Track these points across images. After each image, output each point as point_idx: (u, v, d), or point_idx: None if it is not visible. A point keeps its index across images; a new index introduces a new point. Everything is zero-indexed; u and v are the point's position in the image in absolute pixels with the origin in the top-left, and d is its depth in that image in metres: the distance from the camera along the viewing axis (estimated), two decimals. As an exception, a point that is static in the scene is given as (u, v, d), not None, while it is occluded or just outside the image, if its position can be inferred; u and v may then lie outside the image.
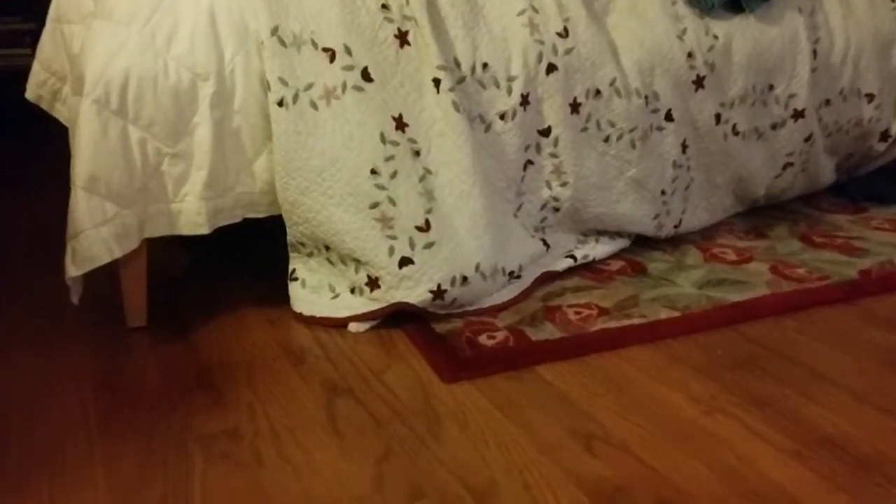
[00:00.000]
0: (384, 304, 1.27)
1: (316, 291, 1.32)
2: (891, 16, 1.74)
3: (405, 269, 1.26)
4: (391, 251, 1.26)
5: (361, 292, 1.26)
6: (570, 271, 1.52)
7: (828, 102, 1.72)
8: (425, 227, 1.28)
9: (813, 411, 1.06)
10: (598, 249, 1.58)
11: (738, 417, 1.05)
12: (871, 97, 1.75)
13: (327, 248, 1.28)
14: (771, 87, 1.63)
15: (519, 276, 1.44)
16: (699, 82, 1.54)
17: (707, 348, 1.25)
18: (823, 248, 1.64)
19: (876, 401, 1.09)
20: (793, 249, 1.64)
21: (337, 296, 1.30)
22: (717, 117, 1.59)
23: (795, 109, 1.65)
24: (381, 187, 1.25)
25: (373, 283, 1.26)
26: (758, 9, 1.58)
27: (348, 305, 1.28)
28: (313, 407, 1.08)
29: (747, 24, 1.58)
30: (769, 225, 1.78)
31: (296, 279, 1.35)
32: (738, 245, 1.66)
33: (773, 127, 1.67)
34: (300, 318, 1.33)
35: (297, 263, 1.35)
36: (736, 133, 1.63)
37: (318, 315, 1.31)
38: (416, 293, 1.27)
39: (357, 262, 1.26)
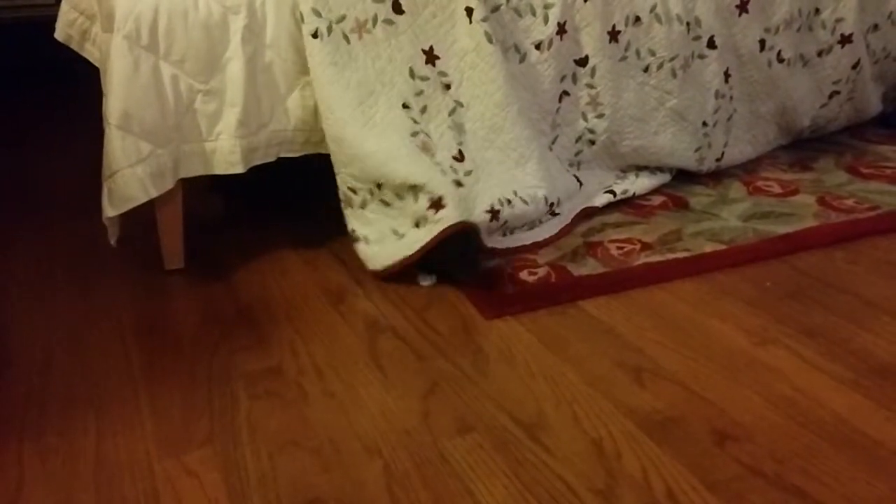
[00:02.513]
0: (449, 224, 1.17)
1: (380, 242, 1.24)
2: (947, -69, 1.64)
3: (461, 190, 1.23)
4: (443, 173, 1.22)
5: (426, 220, 1.20)
6: (610, 207, 1.49)
7: (876, 27, 1.64)
8: (460, 158, 1.25)
9: (867, 340, 1.03)
10: (637, 184, 1.54)
11: (791, 348, 1.03)
12: (923, 20, 1.67)
13: (379, 186, 1.21)
14: (817, 11, 1.55)
15: (557, 213, 1.40)
16: (743, 6, 1.47)
17: (755, 281, 1.22)
18: (871, 178, 1.59)
19: (933, 329, 1.05)
20: (840, 181, 1.58)
21: (403, 236, 1.22)
22: (762, 44, 1.52)
23: (843, 35, 1.58)
24: (414, 121, 1.22)
25: (437, 204, 1.18)
26: (806, -74, 1.50)
27: (418, 239, 1.19)
28: (355, 344, 1.07)
29: (795, -56, 1.50)
30: (814, 157, 1.72)
31: (358, 239, 1.26)
32: (782, 178, 1.61)
33: (820, 54, 1.59)
34: (379, 276, 1.23)
35: (354, 222, 1.26)
36: (781, 60, 1.56)
37: (391, 263, 1.21)
38: (476, 213, 1.23)
39: (414, 189, 1.19)
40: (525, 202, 1.29)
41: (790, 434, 0.86)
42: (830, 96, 1.67)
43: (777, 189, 1.56)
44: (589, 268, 1.26)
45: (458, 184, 1.24)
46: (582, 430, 0.88)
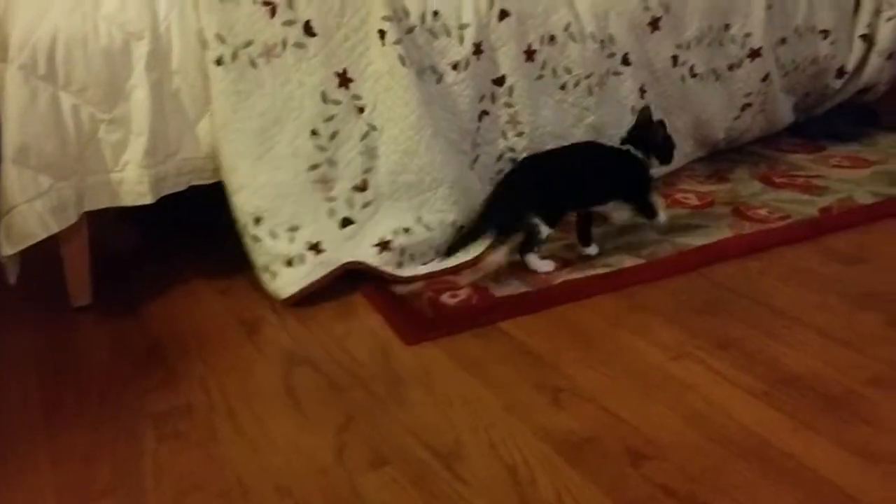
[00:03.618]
0: (332, 268, 1.22)
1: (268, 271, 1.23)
2: (845, -51, 1.72)
3: (347, 230, 1.23)
4: (331, 213, 1.22)
5: (303, 261, 1.21)
6: (532, 224, 1.49)
7: (784, 41, 1.69)
8: (363, 187, 1.25)
9: (778, 350, 1.06)
10: (559, 201, 1.55)
11: (704, 361, 1.04)
12: (825, 33, 1.73)
13: (258, 220, 1.20)
14: (727, 27, 1.60)
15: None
16: (655, 24, 1.50)
17: (672, 294, 1.24)
18: (784, 188, 1.63)
19: (839, 336, 1.08)
20: (754, 191, 1.63)
21: (276, 274, 1.22)
22: (675, 59, 1.56)
23: (752, 49, 1.63)
24: (321, 149, 1.21)
25: (316, 248, 1.22)
26: (712, -55, 1.54)
27: (292, 279, 1.21)
28: (270, 378, 1.04)
29: (702, -38, 1.54)
30: (730, 168, 1.76)
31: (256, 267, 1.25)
32: (699, 189, 1.65)
33: (731, 67, 1.64)
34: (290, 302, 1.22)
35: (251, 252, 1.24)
36: (694, 75, 1.60)
37: (286, 296, 1.21)
38: (361, 250, 1.24)
39: (293, 230, 1.21)
40: (429, 228, 1.29)
41: (703, 450, 0.87)
42: (743, 108, 1.71)
43: (694, 200, 1.59)
44: (511, 287, 1.27)
45: (347, 222, 1.25)
46: (498, 456, 0.87)
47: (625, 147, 1.35)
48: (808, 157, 1.81)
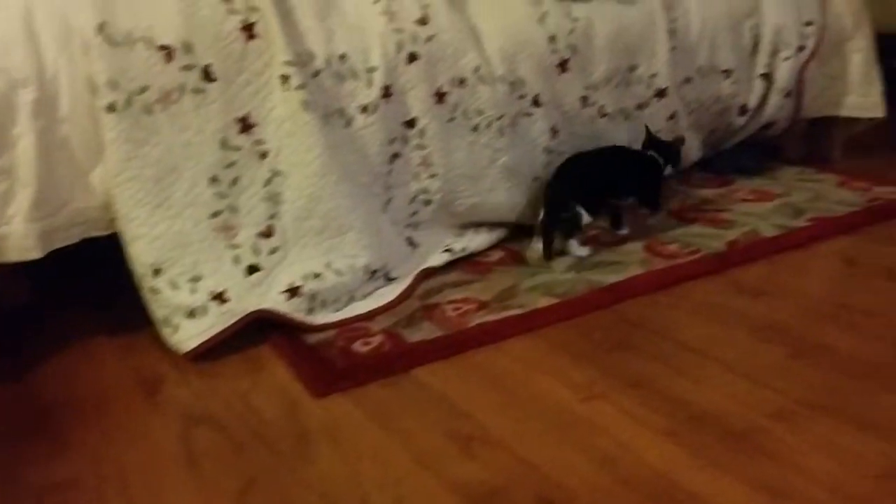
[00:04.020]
0: (238, 317, 1.19)
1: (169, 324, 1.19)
2: (740, -7, 1.79)
3: (254, 277, 1.20)
4: (236, 260, 1.19)
5: (206, 311, 1.17)
6: (450, 266, 1.48)
7: (688, 80, 1.75)
8: (267, 233, 1.22)
9: (685, 387, 1.07)
10: (476, 241, 1.55)
11: (615, 401, 1.04)
12: (728, 73, 1.80)
13: (157, 272, 1.16)
14: (633, 68, 1.64)
15: (393, 278, 1.38)
16: (563, 66, 1.53)
17: (585, 332, 1.24)
18: (693, 222, 1.67)
19: (744, 370, 1.10)
20: (665, 226, 1.66)
21: (178, 327, 1.17)
22: (584, 100, 1.58)
23: (658, 88, 1.67)
24: (221, 196, 1.18)
25: (220, 297, 1.18)
26: (614, -10, 1.59)
27: (195, 332, 1.16)
28: (168, 441, 0.99)
29: (606, 6, 1.58)
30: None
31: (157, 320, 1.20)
32: (613, 226, 1.67)
33: (639, 107, 1.68)
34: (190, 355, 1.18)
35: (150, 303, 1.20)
36: (603, 115, 1.63)
37: (188, 349, 1.17)
38: (269, 297, 1.20)
39: (194, 280, 1.17)
40: (339, 273, 1.27)
41: (612, 494, 0.86)
42: (652, 146, 1.75)
43: (608, 237, 1.61)
44: (424, 332, 1.25)
45: (253, 269, 1.22)
46: (406, 513, 0.84)
47: (649, 153, 1.61)
48: (717, 192, 1.87)
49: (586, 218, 1.47)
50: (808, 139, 2.13)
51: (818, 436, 0.94)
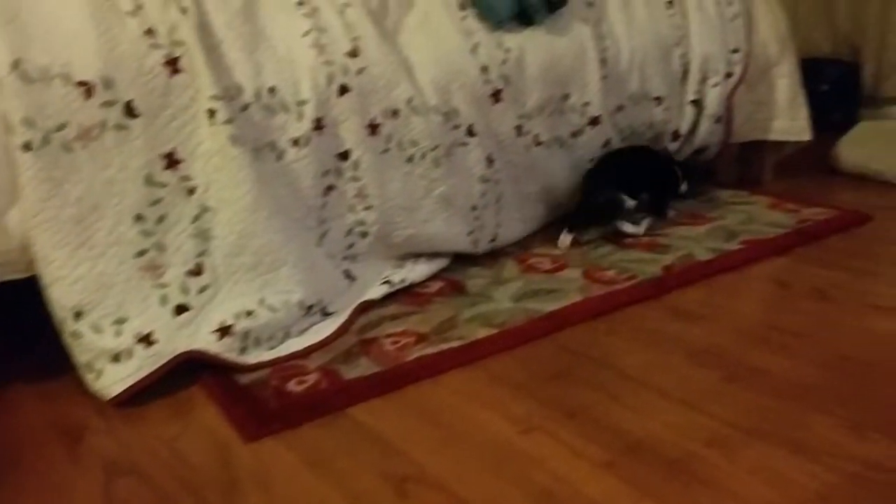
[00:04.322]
0: (166, 360, 1.14)
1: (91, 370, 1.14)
2: (668, 23, 1.84)
3: (182, 317, 1.16)
4: (164, 300, 1.15)
5: (132, 355, 1.13)
6: (388, 298, 1.46)
7: (620, 108, 1.78)
8: (197, 271, 1.19)
9: (623, 416, 1.06)
10: (415, 272, 1.53)
11: (553, 433, 1.03)
12: (659, 100, 1.84)
13: (78, 315, 1.11)
14: (566, 97, 1.66)
15: (331, 313, 1.36)
16: (496, 96, 1.54)
17: (524, 363, 1.23)
18: (631, 247, 1.69)
19: (680, 396, 1.10)
20: (604, 252, 1.67)
21: (101, 372, 1.12)
22: (518, 129, 1.59)
23: (591, 116, 1.70)
24: (147, 234, 1.14)
25: (146, 339, 1.14)
26: (545, 21, 1.61)
27: (120, 377, 1.12)
28: (90, 494, 0.94)
29: (537, 37, 1.60)
30: (582, 229, 1.81)
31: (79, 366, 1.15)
32: (553, 253, 1.68)
33: (573, 135, 1.70)
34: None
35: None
36: (538, 143, 1.64)
37: (113, 395, 1.12)
38: (199, 338, 1.17)
39: (119, 322, 1.12)
40: (273, 310, 1.24)
41: (549, 531, 0.85)
42: (589, 173, 1.77)
43: (547, 265, 1.61)
44: (361, 368, 1.22)
45: (182, 308, 1.18)
46: (337, 561, 0.81)
47: (674, 165, 1.84)
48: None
49: (630, 202, 1.68)
50: (740, 163, 2.19)
51: (752, 461, 0.95)
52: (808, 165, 2.28)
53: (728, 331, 1.30)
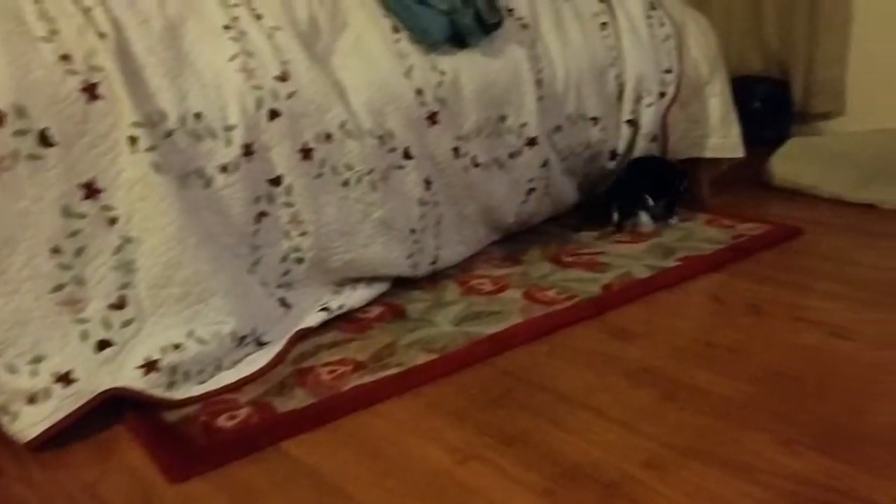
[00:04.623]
0: (87, 399, 1.09)
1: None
2: (602, 44, 1.86)
3: (105, 353, 1.11)
4: (84, 336, 1.10)
5: (49, 395, 1.07)
6: (327, 325, 1.43)
7: (558, 128, 1.79)
8: (120, 305, 1.14)
9: (562, 440, 1.05)
10: (354, 297, 1.51)
11: (491, 461, 1.01)
12: (595, 120, 1.85)
13: None
14: (503, 118, 1.66)
15: (265, 342, 1.32)
16: (432, 118, 1.53)
17: (463, 389, 1.21)
18: (571, 267, 1.69)
19: (618, 416, 1.10)
20: (544, 272, 1.67)
21: (16, 415, 1.06)
22: (456, 151, 1.59)
23: (529, 137, 1.70)
24: (65, 267, 1.09)
25: (65, 378, 1.08)
26: (480, 43, 1.61)
27: (36, 418, 1.06)
28: (-2, 546, 0.88)
29: (472, 59, 1.60)
30: (524, 250, 1.81)
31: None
32: (494, 274, 1.67)
33: (511, 156, 1.70)
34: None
35: None
36: (476, 165, 1.64)
37: (30, 438, 1.06)
38: (123, 375, 1.12)
39: (35, 361, 1.07)
40: (202, 342, 1.20)
41: (486, 564, 0.83)
42: (528, 193, 1.78)
43: (489, 286, 1.60)
44: (296, 400, 1.18)
45: (104, 344, 1.14)
46: None
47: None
48: (593, 234, 1.90)
49: (650, 202, 1.91)
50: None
51: (687, 482, 0.95)
52: (743, 181, 2.33)
53: (665, 349, 1.30)
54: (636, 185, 1.93)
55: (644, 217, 1.92)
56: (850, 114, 2.81)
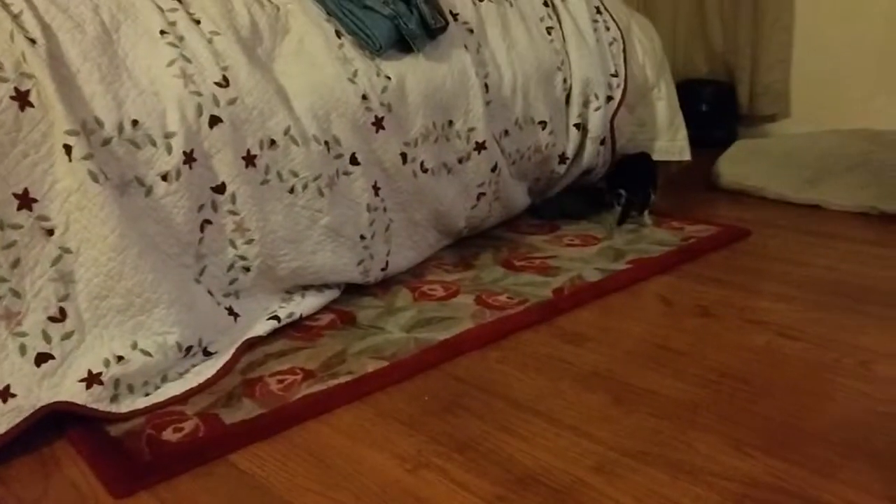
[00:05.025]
0: (26, 414, 1.05)
1: None
2: (549, 48, 1.87)
3: (44, 367, 1.08)
4: (23, 350, 1.06)
5: None
6: (276, 333, 1.41)
7: (506, 133, 1.79)
8: (60, 317, 1.11)
9: (513, 446, 1.05)
10: (304, 305, 1.48)
11: (442, 469, 1.00)
12: (544, 124, 1.86)
13: None
14: (451, 123, 1.66)
15: (212, 352, 1.29)
16: (378, 123, 1.51)
17: (415, 396, 1.20)
18: (523, 271, 1.70)
19: (569, 421, 1.10)
20: (496, 276, 1.67)
21: None
22: (404, 156, 1.58)
23: (477, 142, 1.70)
24: (1, 279, 1.05)
25: (5, 394, 1.04)
26: (425, 48, 1.60)
27: None
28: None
29: (418, 64, 1.59)
30: (475, 254, 1.81)
31: None
32: (445, 279, 1.66)
33: (460, 161, 1.70)
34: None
35: None
36: (425, 170, 1.63)
37: None
38: (64, 389, 1.09)
39: None
40: (147, 353, 1.17)
41: (436, 575, 0.82)
42: (478, 198, 1.77)
43: (440, 292, 1.60)
44: (244, 411, 1.16)
45: (45, 357, 1.10)
46: None
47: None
48: (545, 238, 1.91)
49: (654, 198, 1.99)
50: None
51: (638, 486, 0.95)
52: (691, 183, 2.37)
53: (616, 352, 1.31)
54: (636, 181, 1.99)
55: (647, 215, 2.00)
56: (795, 116, 2.89)
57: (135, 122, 1.20)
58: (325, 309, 1.52)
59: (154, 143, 1.22)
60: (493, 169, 1.76)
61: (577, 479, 0.97)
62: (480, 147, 1.71)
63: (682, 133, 2.15)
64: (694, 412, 1.11)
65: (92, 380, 1.13)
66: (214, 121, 1.28)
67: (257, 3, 1.45)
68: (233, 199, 1.33)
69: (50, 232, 1.12)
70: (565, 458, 1.01)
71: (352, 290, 1.58)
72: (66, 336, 1.13)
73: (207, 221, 1.31)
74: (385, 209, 1.57)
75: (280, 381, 1.25)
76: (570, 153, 1.95)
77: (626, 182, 1.98)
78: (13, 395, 1.07)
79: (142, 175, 1.21)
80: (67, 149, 1.11)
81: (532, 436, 1.07)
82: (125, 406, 1.16)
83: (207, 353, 1.29)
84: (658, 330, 1.40)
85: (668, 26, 3.02)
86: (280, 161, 1.37)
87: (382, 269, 1.61)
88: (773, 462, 0.99)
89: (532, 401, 1.16)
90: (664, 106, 2.10)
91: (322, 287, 1.54)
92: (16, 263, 1.09)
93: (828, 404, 1.13)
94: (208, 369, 1.26)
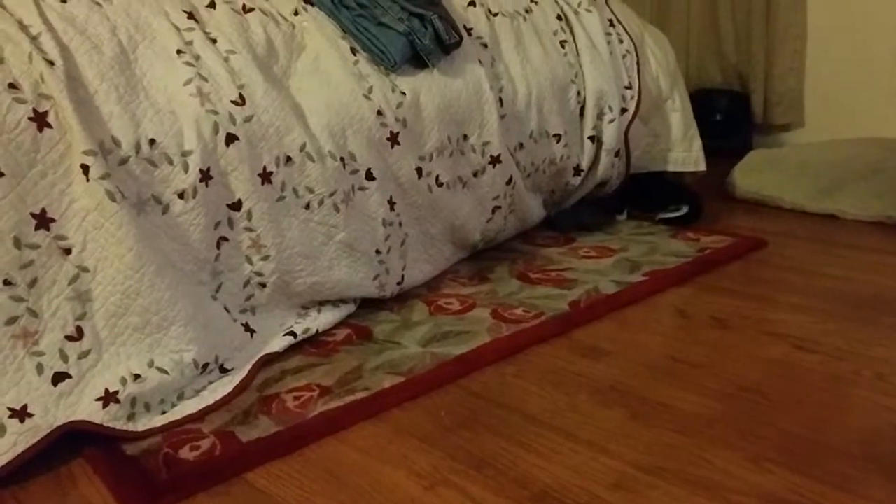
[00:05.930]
0: (44, 434, 1.06)
1: None
2: (563, 62, 1.87)
3: (61, 386, 1.08)
4: (40, 369, 1.07)
5: (3, 431, 1.04)
6: (292, 349, 1.41)
7: (521, 146, 1.79)
8: (77, 336, 1.11)
9: (530, 462, 1.04)
10: (320, 320, 1.48)
11: (459, 486, 1.00)
12: (558, 137, 1.86)
13: None
14: (465, 137, 1.66)
15: (229, 370, 1.30)
16: (394, 139, 1.52)
17: (431, 412, 1.20)
18: (539, 283, 1.69)
19: (585, 436, 1.09)
20: (512, 290, 1.67)
21: None
22: (419, 171, 1.58)
23: (492, 156, 1.70)
24: (17, 299, 1.06)
25: (22, 413, 1.05)
26: (439, 63, 1.61)
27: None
28: None
29: (432, 79, 1.60)
30: (490, 267, 1.81)
31: None
32: (461, 293, 1.66)
33: (475, 174, 1.70)
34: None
35: None
36: (440, 184, 1.63)
37: None
38: (81, 408, 1.09)
39: None
40: (164, 371, 1.18)
41: None
42: (493, 211, 1.77)
43: (456, 305, 1.59)
44: (261, 429, 1.16)
45: (62, 377, 1.10)
46: None
47: None
48: (560, 250, 1.91)
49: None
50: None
51: (655, 503, 0.94)
52: (706, 194, 2.35)
53: (632, 365, 1.30)
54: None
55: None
56: (809, 125, 2.87)
57: (152, 142, 1.21)
58: (342, 324, 1.52)
59: (171, 162, 1.23)
60: (509, 182, 1.76)
61: (595, 496, 0.96)
62: (495, 160, 1.71)
63: (698, 144, 2.14)
64: (711, 426, 1.10)
65: (109, 398, 1.13)
66: (231, 139, 1.29)
67: (273, 21, 1.46)
68: (249, 215, 1.33)
69: (67, 251, 1.13)
70: (582, 474, 1.01)
71: (368, 305, 1.58)
72: (83, 355, 1.14)
73: (224, 238, 1.32)
74: (401, 223, 1.58)
75: (296, 398, 1.25)
76: (584, 165, 1.95)
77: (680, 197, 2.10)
78: (30, 415, 1.07)
79: (158, 193, 1.22)
80: (85, 168, 1.12)
81: (549, 452, 1.06)
82: (142, 424, 1.16)
83: (224, 370, 1.30)
84: (674, 343, 1.39)
85: (681, 36, 3.02)
86: (296, 177, 1.38)
87: (398, 284, 1.61)
88: (792, 477, 0.97)
89: (549, 416, 1.16)
90: (679, 117, 2.10)
91: (338, 302, 1.54)
92: (33, 283, 1.10)
93: (846, 417, 1.12)
94: (225, 386, 1.26)
